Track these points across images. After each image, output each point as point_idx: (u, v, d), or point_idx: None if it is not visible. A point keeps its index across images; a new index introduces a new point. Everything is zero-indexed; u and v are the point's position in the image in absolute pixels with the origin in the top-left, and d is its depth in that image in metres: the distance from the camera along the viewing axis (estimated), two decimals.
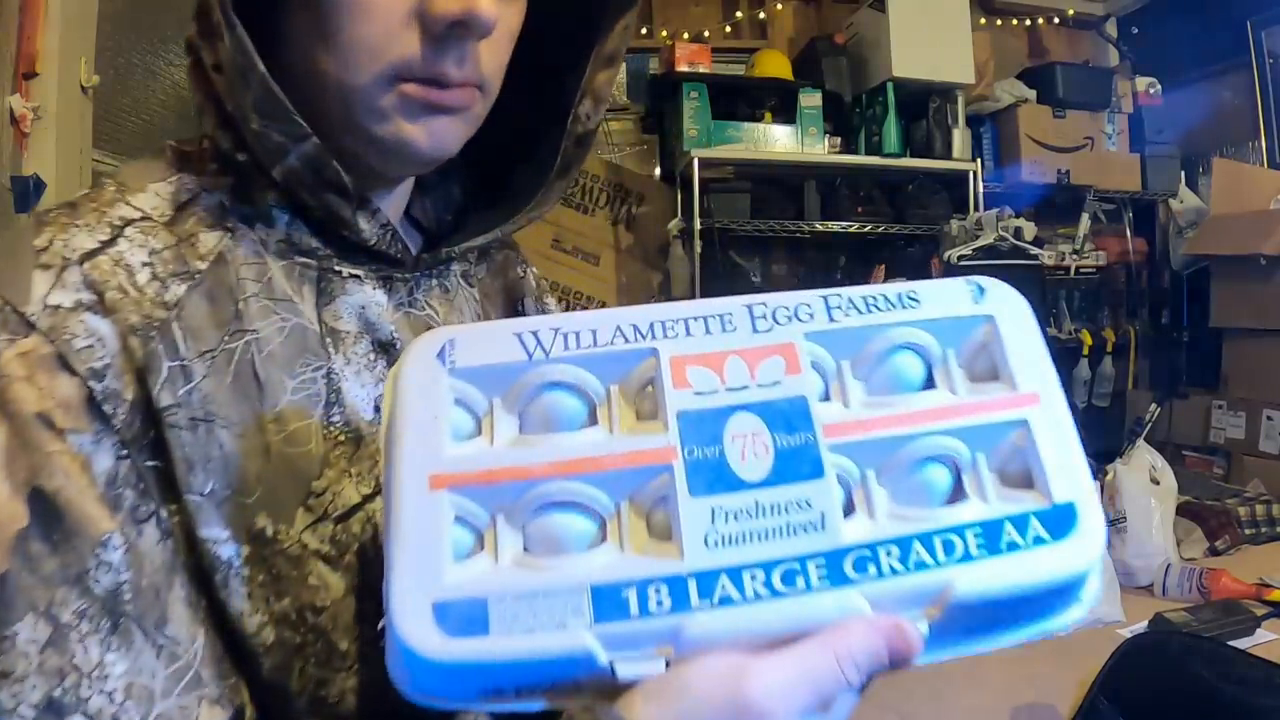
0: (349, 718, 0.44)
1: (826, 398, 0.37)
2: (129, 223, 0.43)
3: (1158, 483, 1.57)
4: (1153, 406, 2.02)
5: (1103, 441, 2.76)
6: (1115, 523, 1.54)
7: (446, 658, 0.30)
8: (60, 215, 0.42)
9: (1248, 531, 1.71)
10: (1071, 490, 0.34)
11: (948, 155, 2.74)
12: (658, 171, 2.92)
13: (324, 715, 0.43)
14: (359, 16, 0.41)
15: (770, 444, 0.34)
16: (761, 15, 2.99)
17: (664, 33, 2.87)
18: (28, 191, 1.43)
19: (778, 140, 2.69)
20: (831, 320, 0.37)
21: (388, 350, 0.48)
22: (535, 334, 0.36)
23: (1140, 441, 1.64)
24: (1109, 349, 3.01)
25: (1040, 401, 0.36)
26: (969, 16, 2.71)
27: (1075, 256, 2.87)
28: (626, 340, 0.36)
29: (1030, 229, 2.59)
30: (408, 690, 0.32)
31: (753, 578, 0.31)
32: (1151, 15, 3.18)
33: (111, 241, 0.42)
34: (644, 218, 2.83)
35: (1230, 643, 1.15)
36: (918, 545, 0.33)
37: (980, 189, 2.77)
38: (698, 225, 2.52)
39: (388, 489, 0.34)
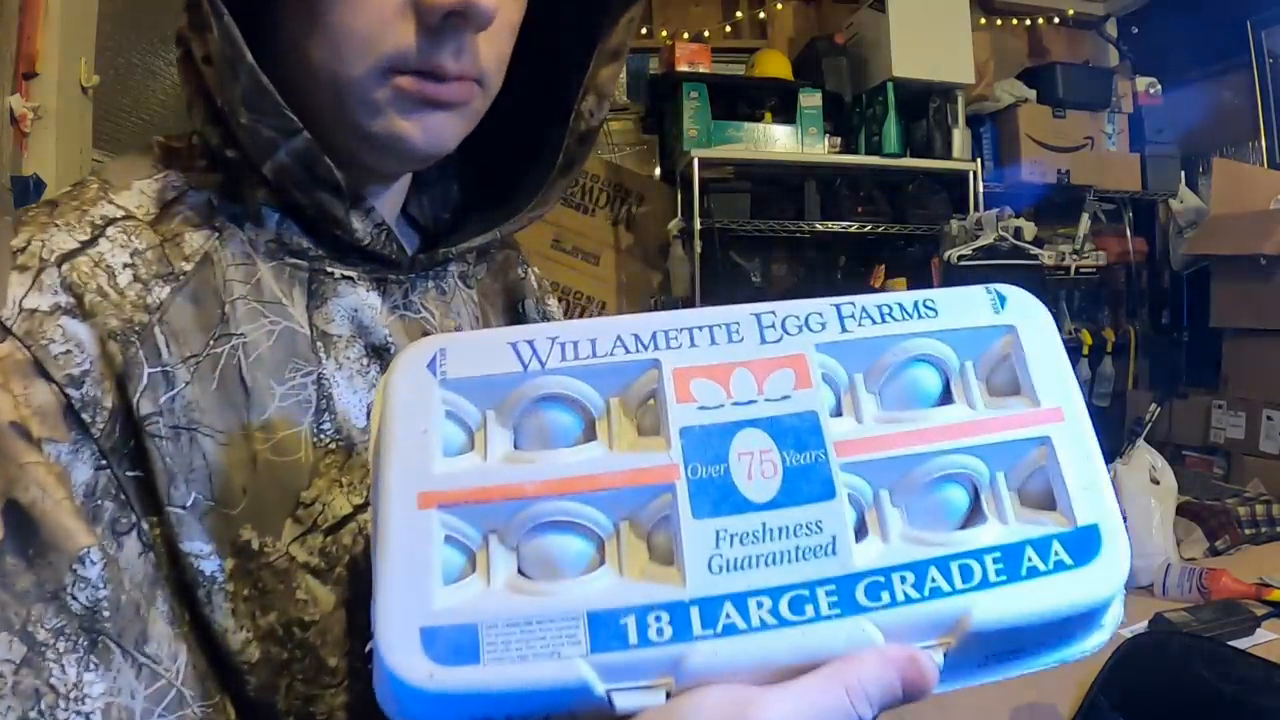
0: None
1: (838, 412, 0.35)
2: (111, 222, 0.41)
3: (1158, 483, 1.57)
4: (1153, 406, 2.02)
5: (1103, 441, 2.75)
6: None
7: (434, 687, 0.29)
8: (40, 214, 0.40)
9: (1248, 531, 1.71)
10: (1095, 512, 0.32)
11: (948, 155, 2.74)
12: (658, 171, 2.92)
13: None
14: (351, 6, 0.39)
15: (779, 462, 0.32)
16: (761, 15, 3.00)
17: (664, 33, 2.87)
18: (28, 191, 1.43)
19: (778, 140, 2.69)
20: (844, 330, 0.35)
21: (381, 355, 0.46)
22: (531, 344, 0.34)
23: (1140, 441, 1.64)
24: (1109, 349, 3.01)
25: (1064, 418, 0.34)
26: (969, 16, 2.71)
27: (1075, 256, 2.87)
28: (627, 351, 0.34)
29: (1030, 229, 2.59)
30: (395, 717, 0.31)
31: (759, 605, 0.30)
32: (1151, 15, 3.18)
33: (92, 241, 0.40)
34: (644, 218, 2.83)
35: (1230, 643, 1.15)
36: (934, 571, 0.31)
37: (980, 189, 2.77)
38: (698, 225, 2.52)
39: (375, 507, 0.32)
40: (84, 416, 0.36)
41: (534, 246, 2.60)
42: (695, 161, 2.51)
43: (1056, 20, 3.24)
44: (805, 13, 3.05)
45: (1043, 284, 2.69)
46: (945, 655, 0.30)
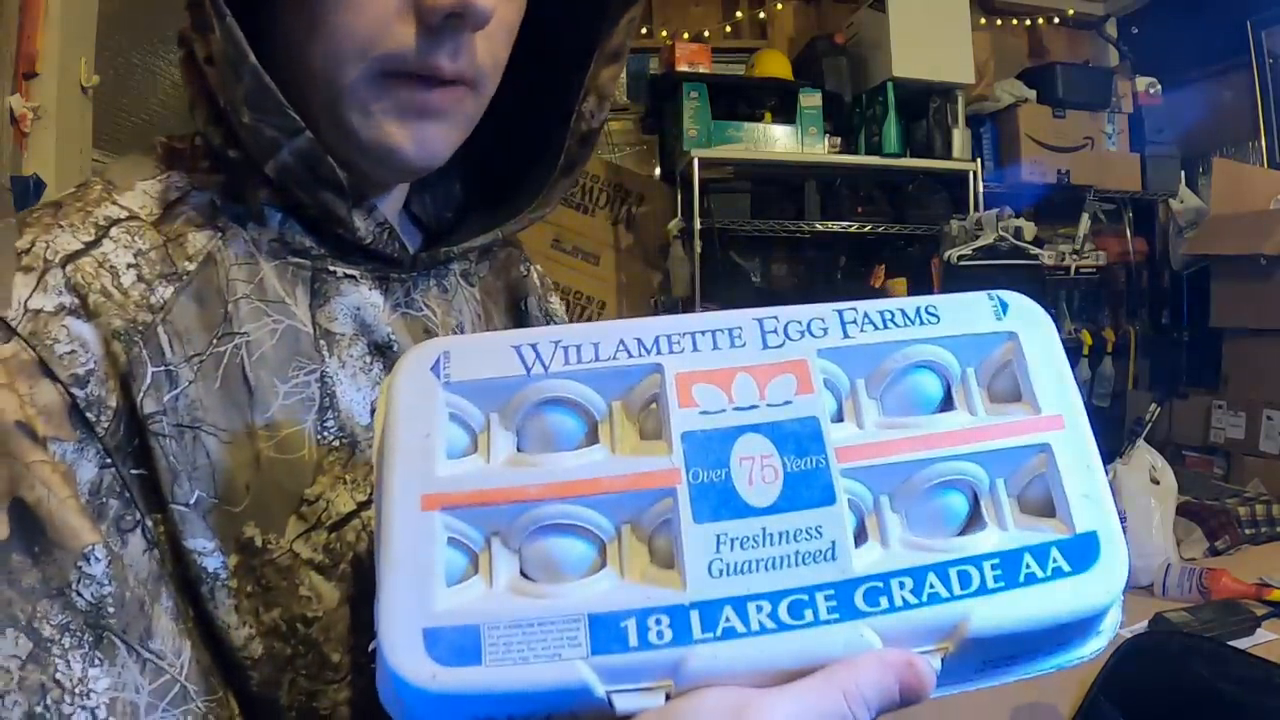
0: None
1: (839, 417, 0.35)
2: (115, 222, 0.41)
3: (1158, 483, 1.57)
4: (1153, 406, 2.02)
5: (1103, 441, 2.75)
6: None
7: (437, 688, 0.29)
8: (44, 215, 0.41)
9: (1248, 531, 1.71)
10: (1094, 520, 0.32)
11: (948, 155, 2.74)
12: (658, 171, 2.92)
13: None
14: (351, 7, 0.39)
15: (779, 467, 0.32)
16: (761, 15, 3.00)
17: (664, 33, 2.87)
18: (28, 191, 1.43)
19: (778, 140, 2.69)
20: (846, 336, 0.35)
21: (384, 353, 0.46)
22: (534, 347, 0.34)
23: (1140, 441, 1.64)
24: (1109, 349, 3.01)
25: (1064, 425, 0.34)
26: (969, 16, 2.71)
27: (1075, 256, 2.87)
28: (630, 355, 0.34)
29: (1030, 229, 2.59)
30: (398, 717, 0.31)
31: (758, 609, 0.30)
32: (1151, 15, 3.18)
33: (96, 242, 0.40)
34: (644, 218, 2.83)
35: (1230, 643, 1.15)
36: (932, 577, 0.31)
37: (980, 189, 2.77)
38: (698, 225, 2.52)
39: (379, 508, 0.32)
40: (89, 415, 0.37)
41: (534, 246, 2.60)
42: (695, 161, 2.51)
43: (1056, 20, 3.24)
44: (805, 13, 3.06)
45: (1043, 284, 2.69)
46: (943, 660, 0.30)
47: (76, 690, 0.34)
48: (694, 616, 0.30)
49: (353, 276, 0.46)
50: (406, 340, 0.47)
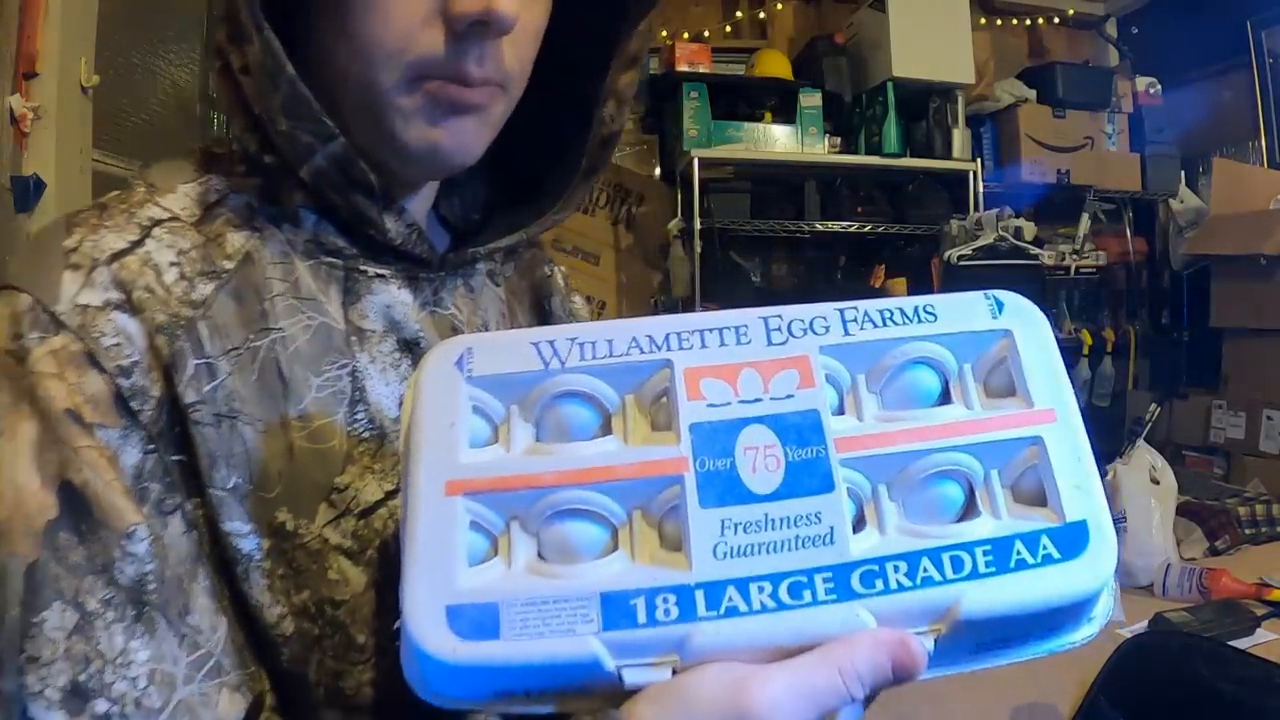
0: (365, 709, 0.44)
1: (841, 411, 0.37)
2: (157, 223, 0.43)
3: (1158, 483, 1.57)
4: (1153, 406, 2.02)
5: (1103, 441, 2.76)
6: (1115, 523, 1.54)
7: (457, 661, 0.31)
8: (90, 216, 0.43)
9: (1248, 531, 1.71)
10: (1084, 509, 0.33)
11: (948, 155, 2.74)
12: (658, 171, 2.92)
13: (341, 706, 0.44)
14: (380, 17, 0.41)
15: (781, 457, 0.34)
16: (761, 15, 3.00)
17: (664, 33, 2.87)
18: (28, 191, 1.43)
19: (778, 140, 2.69)
20: (847, 334, 0.37)
21: (412, 349, 0.48)
22: (552, 344, 0.37)
23: (1140, 441, 1.64)
24: (1109, 349, 3.01)
25: (1056, 419, 0.35)
26: (969, 16, 2.71)
27: (1075, 256, 2.87)
28: (642, 351, 0.36)
29: (1030, 229, 2.59)
30: (422, 692, 0.33)
31: (760, 590, 0.32)
32: (1151, 15, 3.18)
33: (140, 242, 0.42)
34: (644, 218, 2.83)
35: (1230, 643, 1.15)
36: (926, 561, 0.32)
37: (980, 189, 2.77)
38: (698, 225, 2.52)
39: (405, 494, 0.34)
40: (133, 404, 0.39)
41: None
42: (695, 161, 2.51)
43: (1056, 20, 3.24)
44: (805, 13, 3.06)
45: (1043, 284, 2.69)
46: (936, 642, 0.32)
47: (118, 661, 0.36)
48: (699, 596, 0.32)
49: (383, 276, 0.48)
50: (434, 337, 0.49)
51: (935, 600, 0.32)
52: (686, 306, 2.53)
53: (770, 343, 0.37)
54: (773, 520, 0.33)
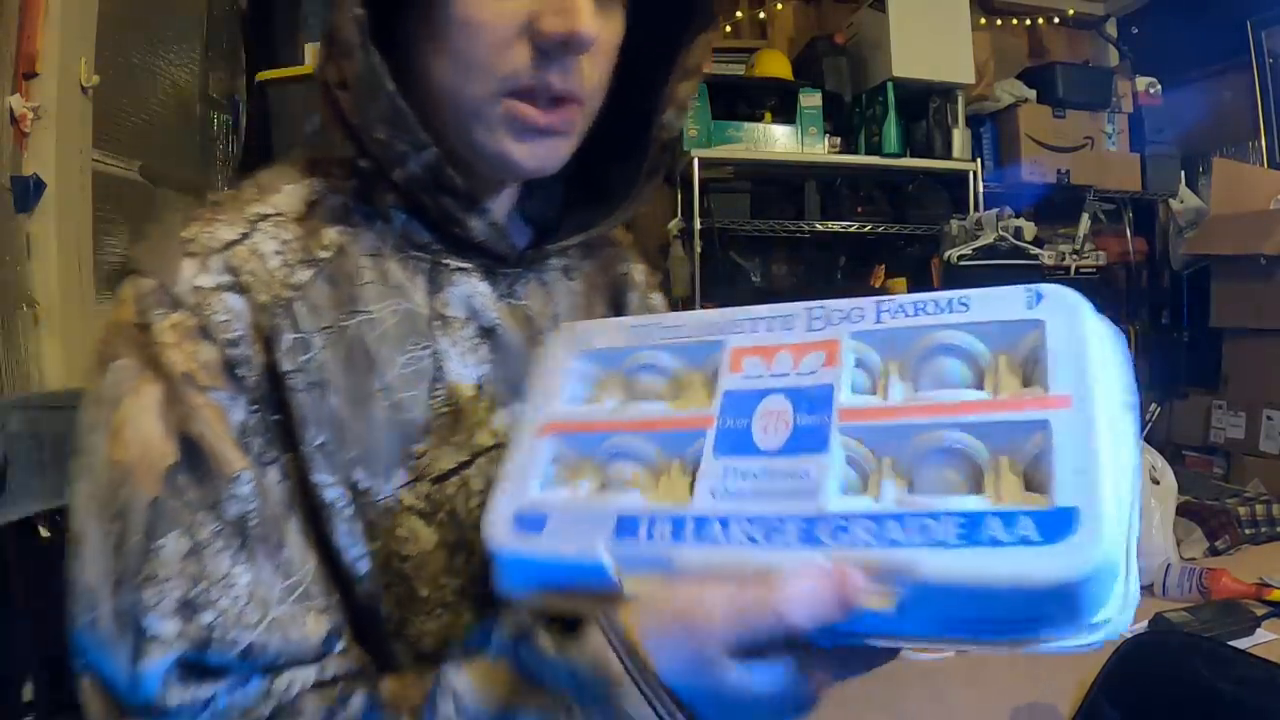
0: (425, 657, 0.49)
1: (872, 392, 0.40)
2: (264, 218, 0.50)
3: (1158, 483, 1.57)
4: (1153, 406, 2.02)
5: None
6: None
7: (507, 548, 0.40)
8: (205, 212, 0.49)
9: (1248, 531, 1.71)
10: (1078, 496, 0.33)
11: (948, 155, 2.74)
12: None
13: (406, 643, 0.50)
14: (474, 35, 0.46)
15: (791, 421, 0.39)
16: (761, 15, 3.00)
17: None
18: (28, 191, 1.43)
19: (778, 140, 2.68)
20: (879, 322, 0.41)
21: (490, 335, 0.54)
22: (642, 327, 0.47)
23: (1140, 441, 1.64)
24: None
25: (1072, 405, 0.35)
26: (969, 16, 2.71)
27: (1075, 256, 2.87)
28: (706, 335, 0.45)
29: (1030, 229, 2.59)
30: (497, 589, 0.41)
31: (740, 527, 0.36)
32: (1151, 15, 3.18)
33: (248, 234, 0.48)
34: (644, 218, 2.82)
35: (1230, 643, 1.15)
36: (893, 524, 0.34)
37: (980, 189, 2.77)
38: (698, 225, 2.52)
39: (512, 434, 0.46)
40: (239, 371, 0.45)
41: None
42: (695, 161, 2.51)
43: (1056, 20, 3.24)
44: (805, 13, 3.05)
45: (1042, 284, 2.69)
46: (900, 604, 0.33)
47: (223, 582, 0.43)
48: (689, 525, 0.38)
49: (465, 269, 0.54)
50: (510, 325, 0.55)
51: (894, 560, 0.33)
52: (686, 306, 2.53)
53: (809, 329, 0.42)
54: (770, 472, 0.38)
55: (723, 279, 2.66)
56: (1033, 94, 2.85)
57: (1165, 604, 1.38)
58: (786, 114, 2.69)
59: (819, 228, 2.71)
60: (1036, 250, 2.59)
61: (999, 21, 3.16)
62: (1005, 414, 0.36)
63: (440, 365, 0.51)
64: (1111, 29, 3.31)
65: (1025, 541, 0.32)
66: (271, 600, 0.44)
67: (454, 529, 0.50)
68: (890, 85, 2.64)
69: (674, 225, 2.60)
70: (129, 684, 0.41)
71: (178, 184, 2.02)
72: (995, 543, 0.32)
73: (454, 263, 0.54)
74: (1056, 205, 2.90)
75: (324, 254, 0.50)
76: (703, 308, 2.37)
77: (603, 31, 0.48)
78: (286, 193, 0.51)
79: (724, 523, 0.37)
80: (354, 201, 0.52)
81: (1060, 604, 0.32)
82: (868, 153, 2.72)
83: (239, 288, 0.46)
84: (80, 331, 1.53)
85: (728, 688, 0.35)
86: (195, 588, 0.42)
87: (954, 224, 2.62)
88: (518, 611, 0.41)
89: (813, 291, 2.95)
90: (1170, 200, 3.01)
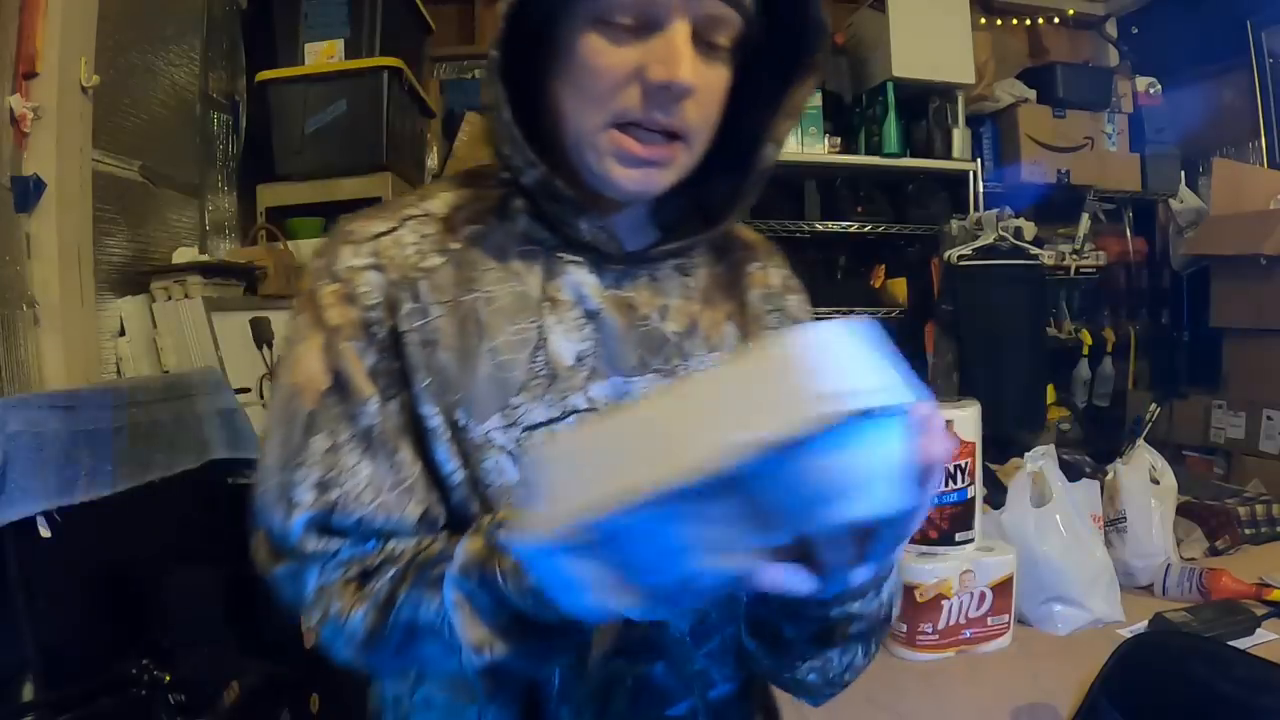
0: None
1: None
2: (411, 217, 0.65)
3: (1158, 483, 1.57)
4: (1153, 406, 2.02)
5: (1103, 441, 2.76)
6: (1115, 523, 1.54)
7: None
8: (370, 211, 0.66)
9: (1248, 531, 1.71)
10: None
11: (948, 155, 2.74)
12: None
13: None
14: (593, 75, 0.57)
15: None
16: None
17: None
18: (28, 191, 1.43)
19: None
20: None
21: (594, 318, 0.64)
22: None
23: (1140, 441, 1.64)
24: (1109, 349, 3.01)
25: None
26: (969, 16, 2.71)
27: (1075, 256, 2.87)
28: None
29: (1030, 229, 2.59)
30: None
31: None
32: (1151, 15, 3.18)
33: (396, 228, 0.64)
34: None
35: (1230, 643, 1.15)
36: None
37: (980, 189, 2.77)
38: None
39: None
40: (373, 329, 0.61)
41: None
42: None
43: (1056, 20, 3.24)
44: None
45: (1043, 284, 2.69)
46: None
47: (349, 471, 0.58)
48: None
49: (576, 262, 0.65)
50: (611, 311, 0.64)
51: None
52: None
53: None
54: None
55: None
56: (1033, 94, 2.85)
57: (1165, 604, 1.38)
58: None
59: (819, 228, 2.71)
60: (1036, 250, 2.59)
61: (999, 21, 3.16)
62: None
63: (544, 338, 0.63)
64: (1111, 29, 3.31)
65: None
66: (384, 488, 0.58)
67: (532, 470, 0.57)
68: (890, 85, 2.64)
69: None
70: (281, 535, 0.58)
71: (178, 184, 2.02)
72: None
73: (567, 256, 0.65)
74: (1056, 205, 2.90)
75: (455, 245, 0.64)
76: None
77: (705, 80, 0.58)
78: (441, 199, 0.67)
79: None
80: (492, 205, 0.66)
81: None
82: (868, 153, 2.72)
83: (378, 268, 0.62)
84: (80, 331, 1.53)
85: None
86: (329, 473, 0.58)
87: (954, 224, 2.62)
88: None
89: (813, 291, 2.94)
90: (1170, 200, 3.01)
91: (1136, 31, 3.25)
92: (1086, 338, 2.98)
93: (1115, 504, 1.54)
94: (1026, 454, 1.41)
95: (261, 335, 1.82)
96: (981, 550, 1.29)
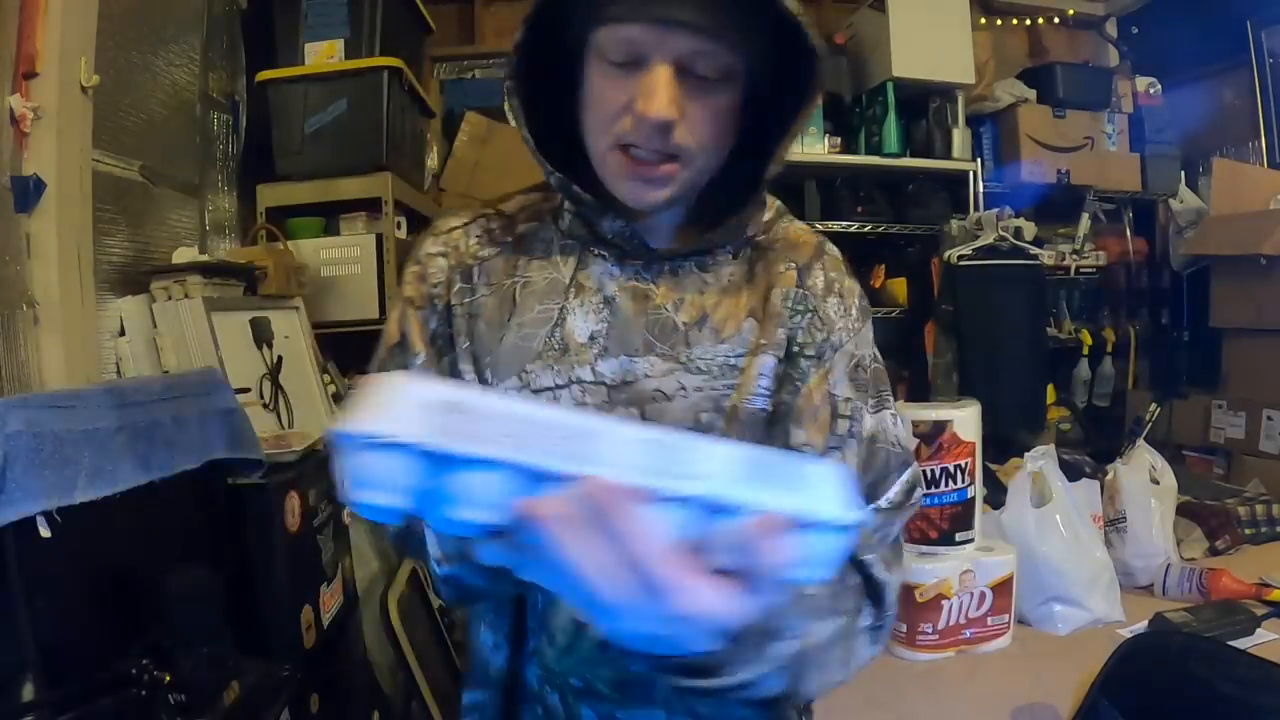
0: None
1: None
2: (482, 215, 0.78)
3: (1158, 483, 1.57)
4: (1153, 406, 2.02)
5: (1103, 441, 2.76)
6: (1115, 523, 1.54)
7: None
8: (458, 209, 0.79)
9: (1248, 531, 1.71)
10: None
11: (948, 155, 2.74)
12: None
13: None
14: (599, 106, 0.65)
15: None
16: None
17: None
18: (28, 191, 1.43)
19: None
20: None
21: (610, 303, 0.73)
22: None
23: (1140, 441, 1.64)
24: (1109, 349, 3.01)
25: None
26: (969, 16, 2.71)
27: (1075, 256, 2.87)
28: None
29: (1030, 229, 2.59)
30: None
31: None
32: (1151, 15, 3.18)
33: (468, 224, 0.78)
34: None
35: (1230, 643, 1.15)
36: None
37: (980, 189, 2.77)
38: None
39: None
40: (435, 302, 0.74)
41: None
42: None
43: (1056, 20, 3.24)
44: (805, 13, 3.05)
45: (1042, 284, 2.69)
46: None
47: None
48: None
49: (604, 256, 0.74)
50: (627, 299, 0.73)
51: None
52: None
53: None
54: None
55: None
56: (1033, 94, 2.85)
57: (1165, 604, 1.38)
58: None
59: (819, 228, 2.70)
60: (1036, 250, 2.60)
61: (999, 21, 3.16)
62: None
63: (564, 317, 0.72)
64: (1111, 29, 3.31)
65: None
66: None
67: None
68: (890, 85, 2.65)
69: None
70: None
71: (178, 184, 2.02)
72: None
73: (597, 251, 0.74)
74: (1056, 205, 2.90)
75: (508, 239, 0.77)
76: None
77: (692, 109, 0.63)
78: (516, 200, 0.80)
79: None
80: (550, 208, 0.77)
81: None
82: (868, 153, 2.72)
83: (445, 255, 0.76)
84: (80, 331, 1.53)
85: None
86: (391, 363, 0.73)
87: (954, 224, 2.63)
88: None
89: None
90: (1170, 200, 3.01)
91: (1136, 31, 3.25)
92: (1086, 338, 2.98)
93: (1115, 504, 1.54)
94: (1026, 454, 1.41)
95: (261, 335, 1.81)
96: (981, 550, 1.29)
